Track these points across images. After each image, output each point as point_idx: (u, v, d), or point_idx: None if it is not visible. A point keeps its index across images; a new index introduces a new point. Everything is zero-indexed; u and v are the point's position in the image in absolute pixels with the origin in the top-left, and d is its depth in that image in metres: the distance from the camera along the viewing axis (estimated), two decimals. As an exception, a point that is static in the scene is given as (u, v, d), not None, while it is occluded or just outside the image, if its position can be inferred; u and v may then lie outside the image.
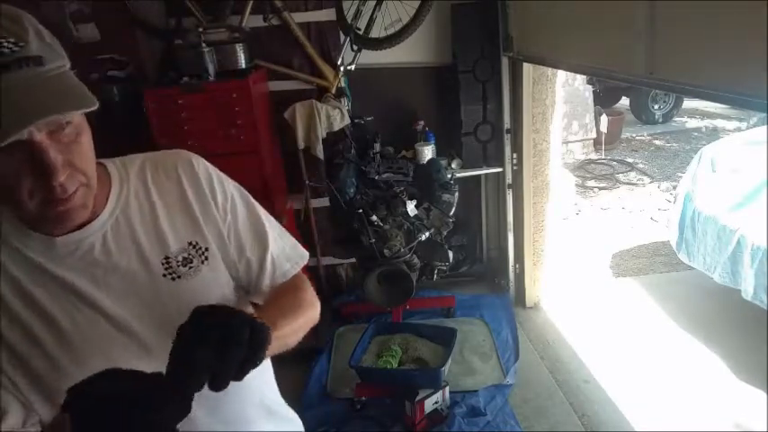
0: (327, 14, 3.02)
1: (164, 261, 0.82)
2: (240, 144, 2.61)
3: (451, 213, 2.91)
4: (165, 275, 0.82)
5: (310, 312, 0.93)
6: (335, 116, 2.90)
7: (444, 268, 3.02)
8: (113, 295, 0.79)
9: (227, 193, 0.89)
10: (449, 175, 2.99)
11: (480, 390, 2.59)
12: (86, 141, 0.73)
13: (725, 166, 3.23)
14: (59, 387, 0.70)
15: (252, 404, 0.94)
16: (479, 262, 3.62)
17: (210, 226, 0.87)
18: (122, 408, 0.56)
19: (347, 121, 2.96)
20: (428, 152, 3.13)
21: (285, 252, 0.95)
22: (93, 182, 0.75)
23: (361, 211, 2.83)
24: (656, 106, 7.79)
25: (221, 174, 0.92)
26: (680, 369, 2.76)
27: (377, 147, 3.17)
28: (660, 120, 7.84)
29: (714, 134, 7.21)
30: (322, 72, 3.04)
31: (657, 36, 1.59)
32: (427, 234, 2.84)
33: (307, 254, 0.99)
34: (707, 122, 7.96)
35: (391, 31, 2.82)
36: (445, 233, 2.94)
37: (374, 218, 2.80)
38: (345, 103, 3.01)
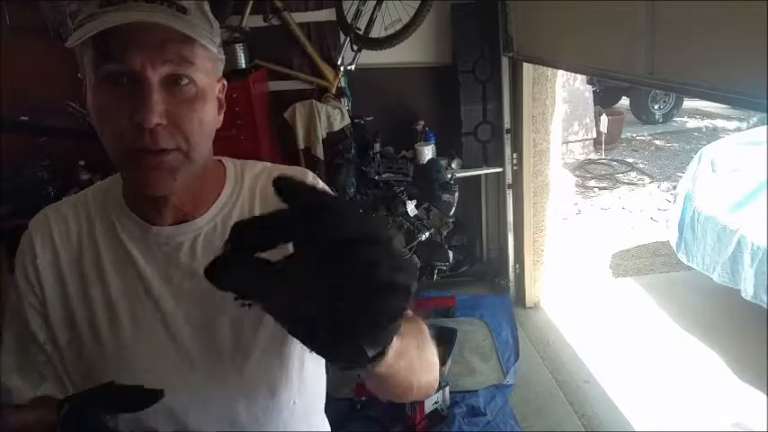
0: (327, 14, 3.02)
1: None
2: (240, 144, 2.61)
3: (451, 213, 2.91)
4: (236, 298, 0.75)
5: (434, 365, 0.69)
6: (335, 116, 2.90)
7: (444, 268, 3.02)
8: (181, 301, 0.75)
9: None
10: (449, 175, 2.99)
11: (480, 390, 2.59)
12: (205, 111, 0.70)
13: (725, 166, 3.23)
14: (99, 376, 0.72)
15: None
16: (479, 262, 3.62)
17: None
18: None
19: (347, 121, 2.96)
20: (428, 152, 3.12)
21: None
22: (195, 155, 0.70)
23: (361, 211, 2.82)
24: (656, 106, 7.79)
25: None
26: (680, 369, 2.76)
27: (377, 147, 3.16)
28: (660, 120, 7.84)
29: (714, 134, 7.21)
30: (322, 72, 3.04)
31: (657, 36, 1.59)
32: (427, 234, 2.84)
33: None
34: (707, 122, 7.96)
35: (391, 31, 2.82)
36: (445, 233, 2.93)
37: (374, 218, 2.79)
38: (345, 103, 3.01)
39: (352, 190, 3.00)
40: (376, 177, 3.08)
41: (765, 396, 2.53)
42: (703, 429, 2.37)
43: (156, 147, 0.66)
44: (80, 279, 0.76)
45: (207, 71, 0.70)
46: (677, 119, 8.06)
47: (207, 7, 0.71)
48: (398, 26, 2.79)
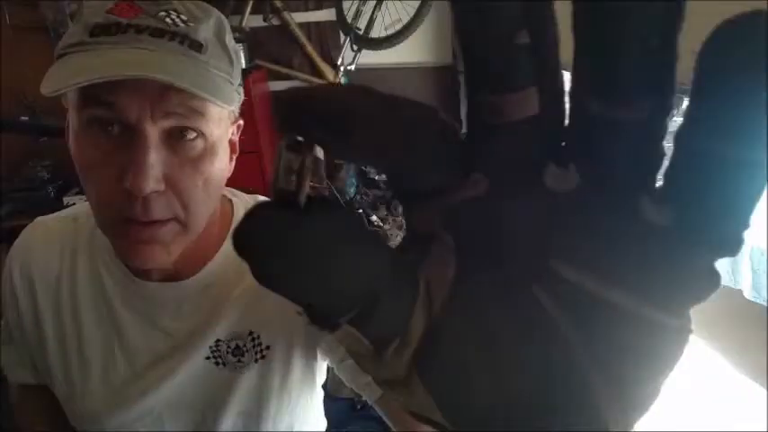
0: (327, 14, 3.02)
1: (213, 344, 0.69)
2: (240, 144, 2.61)
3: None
4: (208, 358, 0.69)
5: None
6: (335, 116, 2.90)
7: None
8: (152, 358, 0.69)
9: None
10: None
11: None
12: (213, 169, 0.58)
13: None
14: (68, 413, 0.73)
15: None
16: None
17: (293, 323, 0.69)
18: None
19: (347, 121, 2.96)
20: (428, 152, 3.12)
21: None
22: (195, 224, 0.59)
23: (361, 210, 2.83)
24: (656, 106, 7.81)
25: None
26: (681, 368, 2.76)
27: (377, 147, 3.17)
28: (660, 120, 7.85)
29: (714, 134, 7.22)
30: (322, 72, 3.04)
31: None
32: (427, 234, 2.85)
33: None
34: (707, 122, 7.98)
35: (391, 31, 2.82)
36: (445, 233, 2.94)
37: (374, 218, 2.80)
38: (345, 103, 3.01)
39: (352, 190, 3.00)
40: (376, 177, 3.08)
41: (766, 395, 2.53)
42: (703, 429, 2.37)
43: (148, 218, 0.54)
44: (55, 315, 0.71)
45: (220, 120, 0.59)
46: (677, 119, 8.05)
47: (228, 37, 0.60)
48: (398, 26, 2.79)
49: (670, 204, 0.17)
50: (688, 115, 0.17)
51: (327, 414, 0.96)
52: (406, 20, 2.76)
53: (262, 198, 0.78)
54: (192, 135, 0.55)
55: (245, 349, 0.69)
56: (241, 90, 0.64)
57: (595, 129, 0.17)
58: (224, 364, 0.69)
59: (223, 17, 0.61)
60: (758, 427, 2.42)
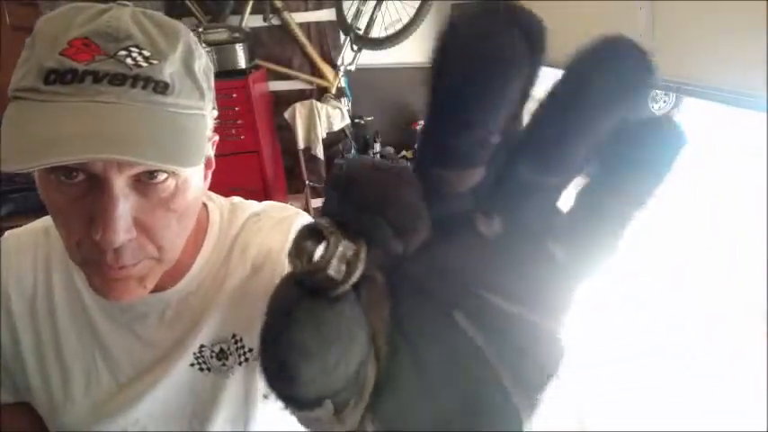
0: (327, 14, 3.03)
1: (197, 350, 0.68)
2: (240, 144, 2.62)
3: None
4: (192, 365, 0.68)
5: None
6: (335, 116, 2.90)
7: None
8: (136, 369, 0.68)
9: None
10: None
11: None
12: (188, 203, 0.56)
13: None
14: (55, 422, 0.71)
15: None
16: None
17: None
18: None
19: (347, 121, 2.96)
20: (428, 152, 3.13)
21: None
22: (170, 258, 0.57)
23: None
24: (656, 106, 7.79)
25: None
26: (681, 367, 2.76)
27: (377, 147, 3.17)
28: (660, 120, 7.85)
29: (714, 134, 7.21)
30: (322, 72, 3.04)
31: (657, 36, 1.59)
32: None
33: None
34: (707, 122, 7.98)
35: (391, 31, 2.82)
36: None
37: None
38: (345, 103, 3.01)
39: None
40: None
41: (766, 395, 2.52)
42: (704, 429, 2.37)
43: (121, 264, 0.52)
44: (33, 331, 0.68)
45: None
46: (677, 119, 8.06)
47: (197, 63, 0.56)
48: (398, 26, 2.79)
49: (567, 244, 0.21)
50: (591, 179, 0.21)
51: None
52: (406, 20, 2.76)
53: (238, 200, 0.75)
54: (162, 176, 0.52)
55: (228, 353, 0.68)
56: (215, 105, 0.61)
57: (520, 189, 0.21)
58: (209, 370, 0.68)
59: (191, 37, 0.57)
60: (758, 426, 2.42)
